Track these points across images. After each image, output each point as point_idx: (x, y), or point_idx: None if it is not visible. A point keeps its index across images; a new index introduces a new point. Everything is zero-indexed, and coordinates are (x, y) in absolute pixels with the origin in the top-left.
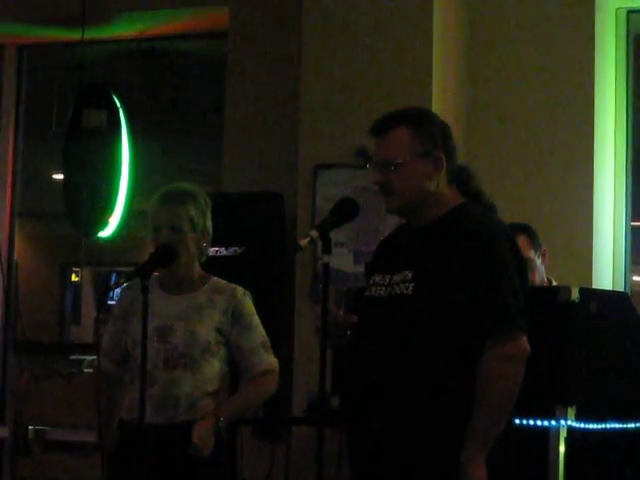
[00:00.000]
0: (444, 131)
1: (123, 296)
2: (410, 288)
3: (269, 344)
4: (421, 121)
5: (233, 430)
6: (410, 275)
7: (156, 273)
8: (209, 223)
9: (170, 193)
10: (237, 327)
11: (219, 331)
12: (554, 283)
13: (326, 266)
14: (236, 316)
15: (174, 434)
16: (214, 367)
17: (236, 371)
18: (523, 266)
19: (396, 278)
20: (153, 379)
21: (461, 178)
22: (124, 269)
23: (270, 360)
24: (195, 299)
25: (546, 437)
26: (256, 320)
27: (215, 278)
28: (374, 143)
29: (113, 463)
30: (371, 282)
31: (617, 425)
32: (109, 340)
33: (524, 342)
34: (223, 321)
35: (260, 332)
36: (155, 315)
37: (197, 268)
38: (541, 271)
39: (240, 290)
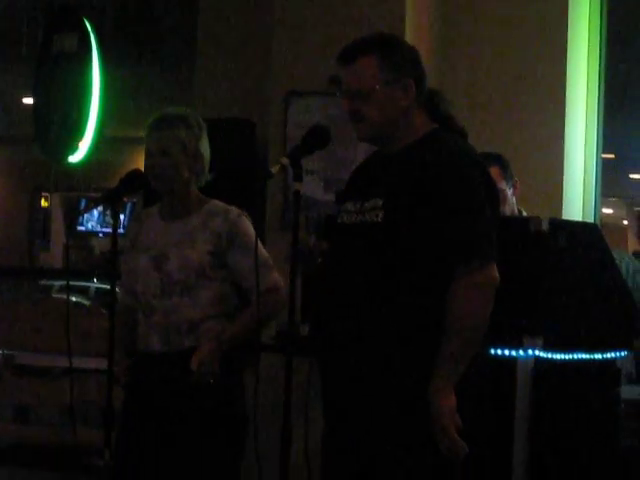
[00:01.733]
0: (412, 56)
1: (130, 227)
2: (380, 216)
3: (271, 262)
4: (388, 48)
5: None
6: (380, 203)
7: (126, 199)
8: (204, 147)
9: (161, 118)
10: (234, 249)
11: (214, 254)
12: (525, 214)
13: (297, 193)
14: (231, 238)
15: (181, 361)
16: (212, 291)
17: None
18: (495, 195)
19: (367, 205)
20: (153, 308)
21: (432, 102)
22: (94, 194)
23: (273, 278)
24: (189, 224)
25: (514, 367)
26: (253, 239)
27: (213, 201)
28: (343, 72)
29: (128, 393)
30: (342, 209)
31: (584, 355)
32: (125, 273)
33: (493, 271)
34: (217, 244)
35: (259, 251)
36: (152, 245)
37: (194, 192)
38: (512, 202)
39: (234, 211)
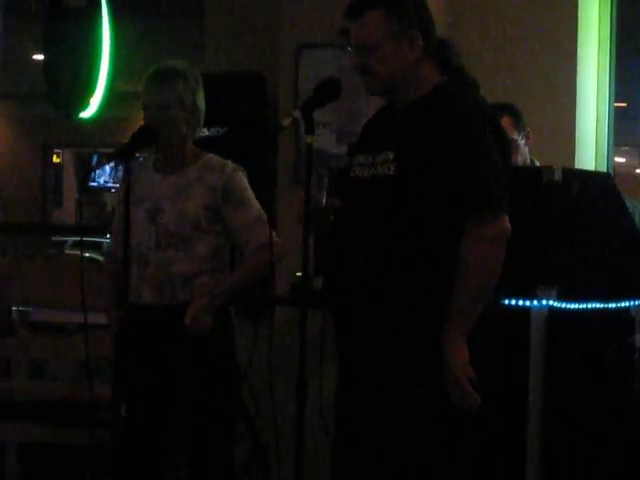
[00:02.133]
0: (419, 6)
1: (124, 180)
2: (392, 169)
3: (265, 217)
4: (394, 1)
5: None
6: (392, 155)
7: (146, 154)
8: (200, 101)
9: (159, 71)
10: (229, 204)
11: (209, 208)
12: (537, 164)
13: (309, 146)
14: (227, 192)
15: (174, 314)
16: (207, 245)
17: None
18: (506, 146)
19: (378, 158)
20: (147, 260)
21: (443, 54)
22: (106, 150)
23: (265, 233)
24: (185, 177)
25: (528, 317)
26: (249, 194)
27: (209, 155)
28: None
29: (118, 344)
30: (355, 162)
31: (599, 305)
32: (117, 224)
33: (505, 222)
34: (213, 198)
35: (254, 206)
36: (146, 198)
37: (189, 146)
38: (524, 152)
39: (230, 165)
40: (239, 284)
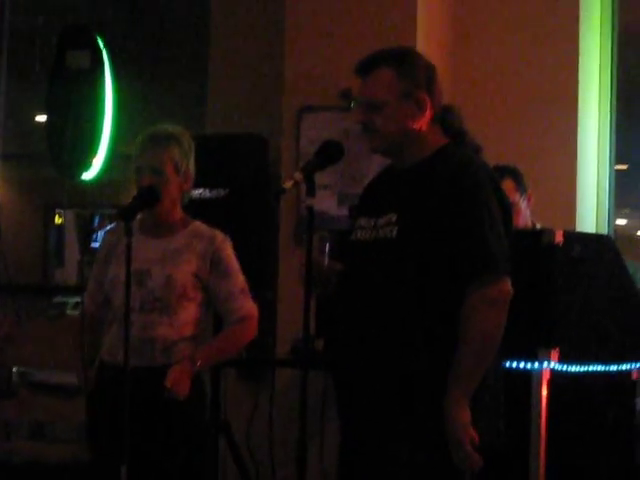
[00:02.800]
0: (429, 71)
1: (106, 239)
2: (394, 231)
3: (248, 290)
4: (405, 61)
5: (217, 372)
6: (394, 218)
7: (139, 215)
8: (192, 166)
9: (154, 135)
10: (216, 273)
11: (196, 277)
12: (538, 227)
13: (310, 209)
14: (215, 262)
15: (151, 377)
16: (191, 312)
17: (218, 316)
18: (508, 210)
19: (381, 221)
20: (130, 322)
21: (446, 118)
22: (107, 211)
23: (248, 306)
24: (173, 243)
25: (529, 379)
26: (235, 266)
27: (197, 222)
28: (358, 83)
29: (91, 403)
30: (357, 225)
31: (599, 367)
32: (93, 282)
33: (507, 285)
34: (201, 266)
35: (239, 278)
36: (133, 259)
37: (179, 211)
38: (526, 215)
39: (220, 235)
40: (218, 353)
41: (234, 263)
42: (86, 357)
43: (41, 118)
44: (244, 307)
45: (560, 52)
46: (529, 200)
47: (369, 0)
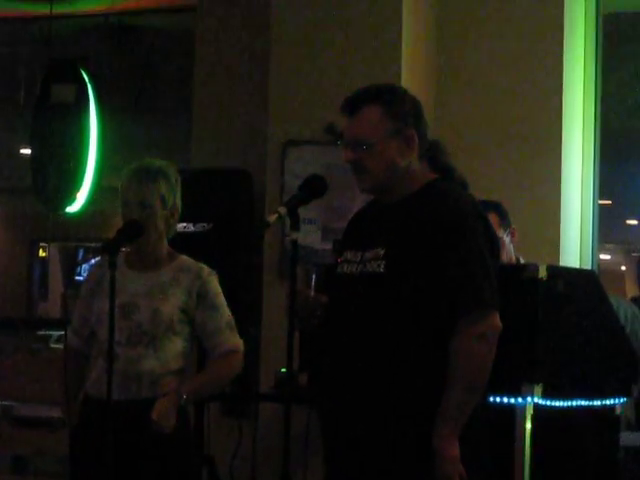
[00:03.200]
0: (415, 107)
1: (91, 273)
2: (382, 266)
3: (234, 324)
4: (392, 99)
5: (200, 406)
6: (382, 253)
7: (123, 249)
8: (179, 200)
9: (141, 169)
10: (202, 307)
11: (183, 311)
12: (522, 261)
13: (294, 243)
14: (201, 296)
15: (136, 411)
16: (177, 345)
17: (203, 350)
18: (495, 243)
19: (368, 255)
20: (115, 356)
21: (432, 153)
22: (92, 244)
23: (234, 340)
24: (160, 277)
25: (513, 414)
26: (221, 300)
27: (183, 257)
28: (345, 121)
29: (76, 438)
30: (342, 259)
31: (583, 402)
32: (78, 317)
33: (496, 320)
34: (187, 301)
35: (225, 312)
36: (119, 292)
37: (165, 245)
38: (510, 250)
39: (206, 270)
40: (204, 387)
41: (220, 297)
42: (70, 392)
43: (26, 151)
44: (230, 341)
45: (544, 87)
46: (513, 235)
47: (353, 35)
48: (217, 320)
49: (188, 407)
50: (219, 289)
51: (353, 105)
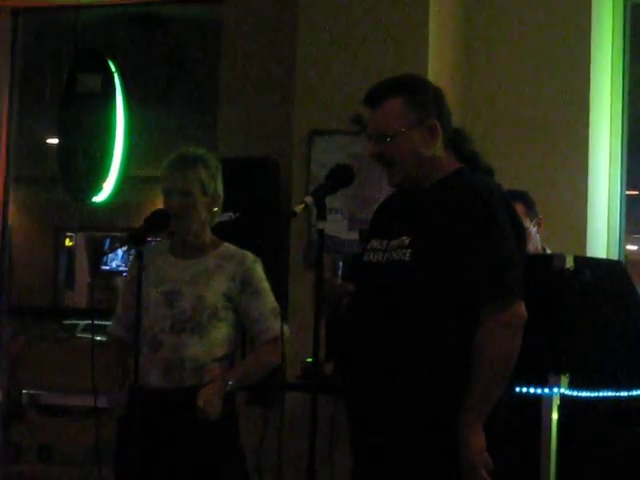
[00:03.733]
0: (438, 97)
1: (134, 263)
2: (407, 254)
3: (279, 310)
4: (414, 89)
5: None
6: (407, 241)
7: (150, 238)
8: (220, 187)
9: (181, 157)
10: (246, 294)
11: (227, 297)
12: (549, 252)
13: (321, 232)
14: (245, 283)
15: (182, 398)
16: (222, 332)
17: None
18: (521, 232)
19: (393, 243)
20: (160, 343)
21: (456, 141)
22: (118, 234)
23: (279, 327)
24: (204, 264)
25: (539, 405)
26: (266, 286)
27: (226, 244)
28: (368, 114)
29: (123, 426)
30: (368, 247)
31: (610, 393)
32: (121, 306)
33: (521, 309)
34: (231, 287)
35: (269, 299)
36: (164, 279)
37: (208, 233)
38: (536, 240)
39: (250, 256)
40: (249, 373)
41: (264, 284)
42: (115, 381)
43: (52, 141)
44: (274, 328)
45: (572, 76)
46: (539, 225)
47: (380, 25)
48: (261, 307)
49: (235, 394)
50: (263, 276)
51: (375, 98)
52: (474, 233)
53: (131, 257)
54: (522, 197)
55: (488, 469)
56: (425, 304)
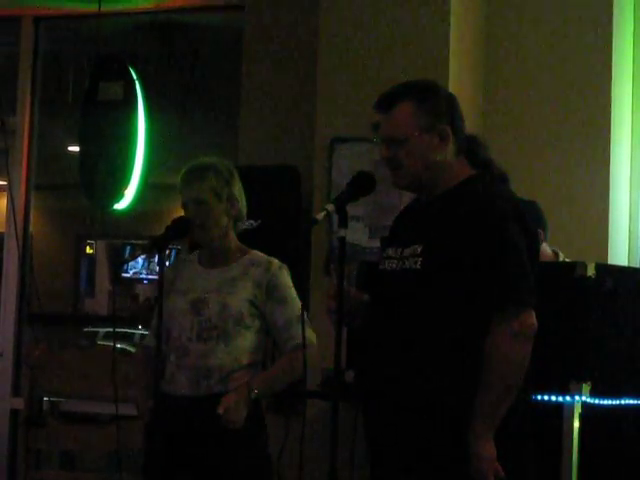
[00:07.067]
0: (450, 102)
1: (166, 274)
2: (419, 263)
3: (305, 317)
4: (425, 94)
5: None
6: (419, 249)
7: (172, 246)
8: (237, 191)
9: (191, 168)
10: (272, 301)
11: (253, 304)
12: (561, 255)
13: (342, 240)
14: (270, 289)
15: (208, 406)
16: (248, 339)
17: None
18: (534, 240)
19: (407, 252)
20: (186, 351)
21: (470, 148)
22: (139, 242)
23: (306, 334)
24: (230, 272)
25: (560, 412)
26: (292, 293)
27: (253, 251)
28: (381, 119)
29: (150, 434)
30: (385, 255)
31: (632, 401)
32: (156, 317)
33: (531, 318)
34: (257, 294)
35: (296, 305)
36: (191, 289)
37: (233, 240)
38: (543, 247)
39: (276, 263)
40: (275, 381)
41: (290, 290)
42: (148, 388)
43: (73, 149)
44: (300, 335)
45: (592, 81)
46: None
47: (402, 33)
48: (287, 313)
49: (261, 402)
50: (290, 282)
51: (386, 102)
52: (484, 243)
53: (151, 265)
54: (528, 207)
55: (499, 479)
56: (435, 313)
